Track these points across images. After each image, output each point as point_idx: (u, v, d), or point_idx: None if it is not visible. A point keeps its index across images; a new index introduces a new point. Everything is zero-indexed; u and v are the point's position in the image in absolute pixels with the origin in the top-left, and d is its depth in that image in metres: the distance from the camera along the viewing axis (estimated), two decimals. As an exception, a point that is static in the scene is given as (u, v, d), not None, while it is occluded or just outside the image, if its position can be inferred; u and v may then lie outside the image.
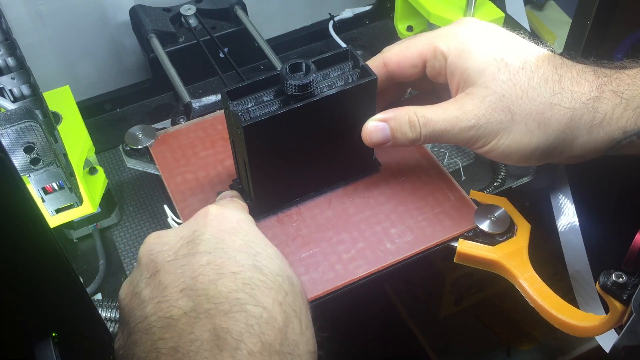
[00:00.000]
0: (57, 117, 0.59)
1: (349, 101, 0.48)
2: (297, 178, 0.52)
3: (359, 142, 0.50)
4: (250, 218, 0.43)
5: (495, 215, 0.52)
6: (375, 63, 0.50)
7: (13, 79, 0.52)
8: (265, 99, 0.47)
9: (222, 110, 0.63)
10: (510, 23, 0.75)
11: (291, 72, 0.46)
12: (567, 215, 0.62)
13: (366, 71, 0.48)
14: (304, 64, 0.46)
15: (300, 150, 0.50)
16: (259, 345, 0.31)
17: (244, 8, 0.76)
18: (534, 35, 0.79)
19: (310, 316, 0.38)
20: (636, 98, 0.42)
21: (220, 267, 0.35)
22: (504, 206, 0.52)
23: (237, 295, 0.33)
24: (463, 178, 0.65)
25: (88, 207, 0.57)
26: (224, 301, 0.33)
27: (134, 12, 0.74)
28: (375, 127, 0.48)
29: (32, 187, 0.47)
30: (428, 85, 0.52)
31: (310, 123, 0.48)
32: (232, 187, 0.55)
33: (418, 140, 0.47)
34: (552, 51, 0.47)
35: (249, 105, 0.46)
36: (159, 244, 0.38)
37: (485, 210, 0.52)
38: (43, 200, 0.49)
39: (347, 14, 0.83)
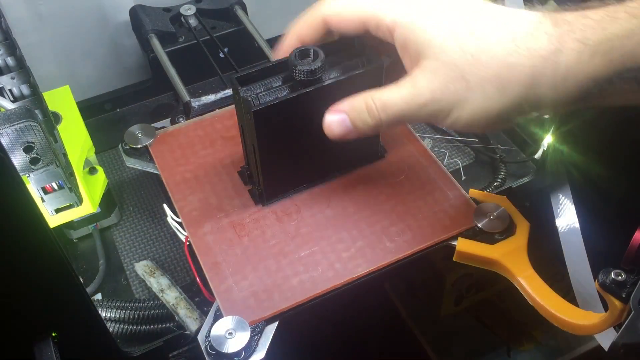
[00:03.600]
0: (56, 117, 0.59)
1: (355, 87, 0.48)
2: (306, 163, 0.53)
3: None
4: None
5: (495, 213, 0.52)
6: (313, 18, 0.47)
7: (13, 78, 0.52)
8: (274, 84, 0.47)
9: (222, 110, 0.63)
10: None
11: (300, 58, 0.46)
12: (567, 215, 0.62)
13: (373, 58, 0.48)
14: (312, 50, 0.46)
15: (308, 135, 0.50)
16: None
17: (244, 8, 0.76)
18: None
19: None
20: (604, 42, 0.38)
21: None
22: (503, 205, 0.53)
23: None
24: (463, 178, 0.65)
25: (88, 207, 0.57)
26: None
27: (134, 12, 0.75)
28: (333, 120, 0.46)
29: (32, 186, 0.47)
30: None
31: (318, 108, 0.47)
32: (240, 174, 0.56)
33: (380, 125, 0.45)
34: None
35: (259, 91, 0.47)
36: None
37: (484, 208, 0.52)
38: (43, 200, 0.50)
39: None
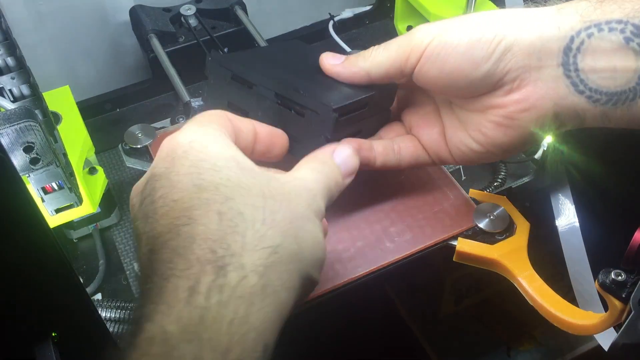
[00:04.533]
0: (56, 117, 0.59)
1: None
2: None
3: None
4: (209, 135, 0.38)
5: (495, 213, 0.52)
6: None
7: (13, 78, 0.52)
8: None
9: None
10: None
11: None
12: (567, 215, 0.62)
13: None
14: None
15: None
16: (186, 264, 0.31)
17: (244, 8, 0.76)
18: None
19: (269, 211, 0.34)
20: None
21: (166, 198, 0.34)
22: (503, 205, 0.53)
23: (175, 222, 0.33)
24: (463, 178, 0.65)
25: (88, 207, 0.57)
26: (166, 232, 0.33)
27: (134, 12, 0.75)
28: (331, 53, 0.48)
29: (32, 187, 0.48)
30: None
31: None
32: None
33: (367, 58, 0.46)
34: None
35: None
36: (134, 195, 0.38)
37: (484, 209, 0.52)
38: (43, 200, 0.50)
39: (347, 14, 0.83)
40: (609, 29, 0.38)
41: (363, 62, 0.46)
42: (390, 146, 0.49)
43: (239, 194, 0.34)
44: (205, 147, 0.36)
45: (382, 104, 0.50)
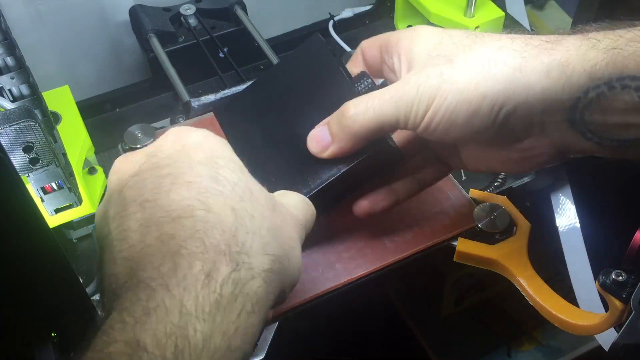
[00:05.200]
0: (56, 117, 0.59)
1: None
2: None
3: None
4: (221, 140, 0.39)
5: (495, 214, 0.52)
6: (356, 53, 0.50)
7: (12, 78, 0.52)
8: None
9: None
10: (510, 23, 0.75)
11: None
12: (568, 215, 0.62)
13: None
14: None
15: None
16: (202, 247, 0.32)
17: (243, 8, 0.76)
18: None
19: (273, 223, 0.36)
20: (605, 41, 0.37)
21: (178, 177, 0.35)
22: (504, 205, 0.52)
23: (188, 202, 0.33)
24: (463, 178, 0.65)
25: (87, 207, 0.57)
26: (175, 209, 0.33)
27: (133, 11, 0.74)
28: (314, 133, 0.45)
29: (31, 186, 0.47)
30: None
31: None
32: None
33: (353, 123, 0.42)
34: None
35: None
36: (125, 163, 0.39)
37: (484, 209, 0.52)
38: (42, 200, 0.49)
39: (347, 13, 0.83)
40: (622, 86, 0.36)
41: (350, 131, 0.43)
42: (415, 181, 0.50)
43: (250, 199, 0.35)
44: (219, 146, 0.38)
45: (368, 171, 0.48)
